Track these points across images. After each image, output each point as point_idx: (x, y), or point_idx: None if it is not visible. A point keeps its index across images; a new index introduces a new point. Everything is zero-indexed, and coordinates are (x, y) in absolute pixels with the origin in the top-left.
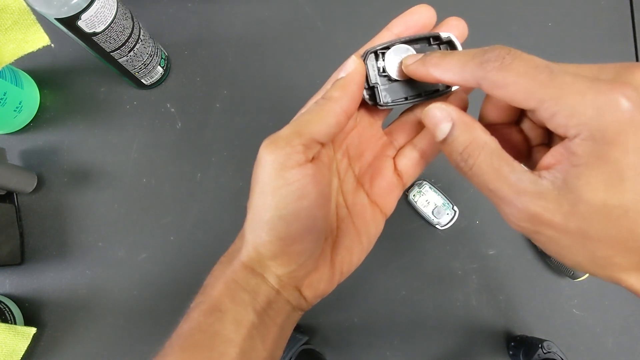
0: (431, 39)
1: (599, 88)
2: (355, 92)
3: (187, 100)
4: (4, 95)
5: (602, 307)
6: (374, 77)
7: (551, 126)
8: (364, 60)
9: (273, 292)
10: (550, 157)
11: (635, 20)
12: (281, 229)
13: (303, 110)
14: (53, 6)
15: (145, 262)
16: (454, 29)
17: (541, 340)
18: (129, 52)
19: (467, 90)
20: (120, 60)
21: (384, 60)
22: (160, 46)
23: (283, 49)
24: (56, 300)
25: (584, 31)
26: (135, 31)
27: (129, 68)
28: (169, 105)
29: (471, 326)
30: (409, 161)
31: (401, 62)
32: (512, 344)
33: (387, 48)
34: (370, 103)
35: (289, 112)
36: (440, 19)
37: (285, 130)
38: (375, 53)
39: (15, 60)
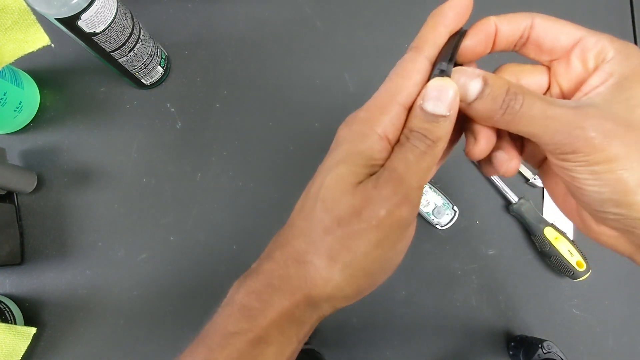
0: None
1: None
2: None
3: (187, 100)
4: (4, 95)
5: (602, 307)
6: None
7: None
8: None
9: (319, 319)
10: (587, 86)
11: (635, 20)
12: (363, 283)
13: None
14: (53, 6)
15: (145, 262)
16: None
17: (541, 340)
18: (129, 52)
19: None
20: (120, 60)
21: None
22: (160, 46)
23: (283, 49)
24: (56, 300)
25: None
26: (135, 31)
27: (129, 68)
28: (169, 105)
29: (471, 326)
30: None
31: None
32: (512, 344)
33: (452, 63)
34: None
35: (289, 112)
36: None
37: (414, 181)
38: (441, 69)
39: (15, 60)
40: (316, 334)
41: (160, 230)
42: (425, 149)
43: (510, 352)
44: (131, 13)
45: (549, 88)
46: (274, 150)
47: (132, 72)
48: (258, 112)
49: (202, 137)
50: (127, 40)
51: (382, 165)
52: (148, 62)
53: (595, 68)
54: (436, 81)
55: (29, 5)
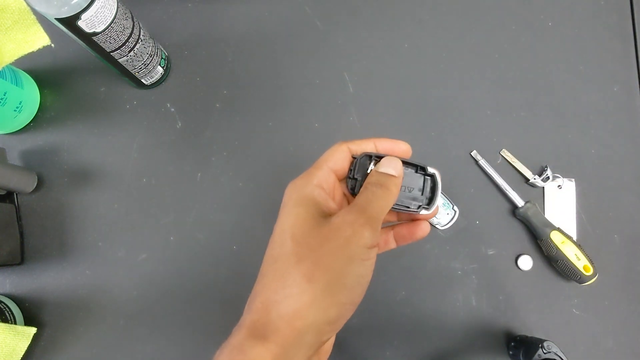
0: (419, 168)
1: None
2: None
3: (187, 100)
4: (4, 95)
5: (602, 308)
6: (363, 173)
7: None
8: (358, 159)
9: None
10: None
11: (635, 20)
12: (343, 298)
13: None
14: (53, 6)
15: (145, 262)
16: (397, 150)
17: (541, 340)
18: (129, 52)
19: None
20: (120, 60)
21: (374, 165)
22: (160, 46)
23: (283, 48)
24: (56, 300)
25: (584, 31)
26: (135, 31)
27: (129, 68)
28: (169, 105)
29: (471, 326)
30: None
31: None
32: (512, 344)
33: (380, 158)
34: (352, 192)
35: (289, 112)
36: (441, 18)
37: (374, 212)
38: (371, 157)
39: (15, 60)
40: None
41: (160, 230)
42: (381, 192)
43: (510, 352)
44: (131, 13)
45: None
46: (274, 150)
47: (132, 72)
48: (258, 112)
49: (202, 137)
50: (127, 40)
51: (329, 207)
52: (148, 62)
53: None
54: (388, 158)
55: (29, 5)
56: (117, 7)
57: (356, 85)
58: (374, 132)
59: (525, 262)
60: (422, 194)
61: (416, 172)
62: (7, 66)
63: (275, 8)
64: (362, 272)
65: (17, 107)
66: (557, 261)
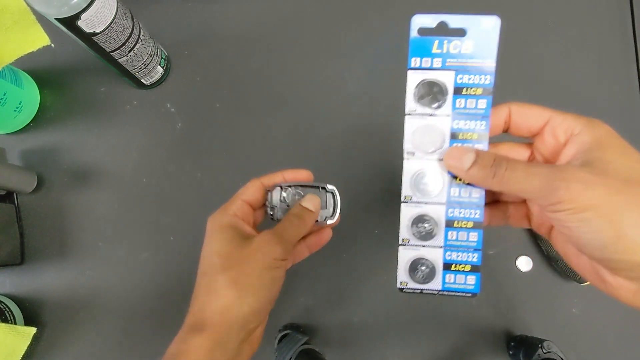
0: (321, 187)
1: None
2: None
3: (187, 100)
4: (4, 95)
5: (602, 307)
6: (277, 202)
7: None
8: (271, 191)
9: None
10: (563, 156)
11: (635, 20)
12: (263, 294)
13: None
14: (53, 6)
15: (145, 262)
16: (300, 177)
17: (541, 340)
18: (129, 52)
19: None
20: (120, 60)
21: (285, 193)
22: (160, 46)
23: (283, 49)
24: (56, 300)
25: (584, 31)
26: (135, 31)
27: (129, 68)
28: (169, 105)
29: (471, 326)
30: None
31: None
32: (512, 344)
33: (289, 187)
34: (271, 217)
35: (289, 112)
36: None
37: (289, 237)
38: (282, 187)
39: (15, 60)
40: (316, 334)
41: (160, 230)
42: (298, 222)
43: (510, 352)
44: (131, 13)
45: (533, 160)
46: (274, 150)
47: (132, 72)
48: (258, 111)
49: (202, 137)
50: (127, 40)
51: (245, 230)
52: (148, 62)
53: (567, 141)
54: (310, 196)
55: (29, 5)
56: (117, 7)
57: (356, 85)
58: (373, 132)
59: (525, 263)
60: (326, 207)
61: (319, 190)
62: (7, 66)
63: (276, 8)
64: (276, 275)
65: (17, 107)
66: (557, 261)
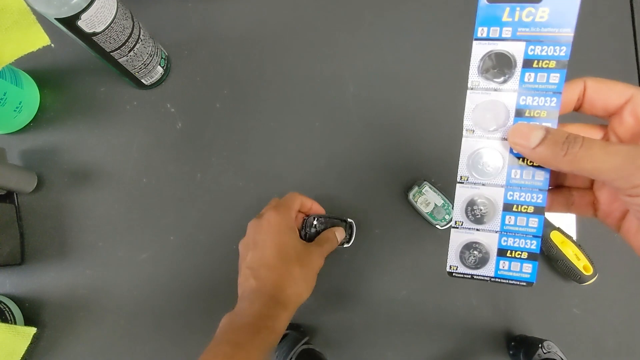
0: (342, 220)
1: None
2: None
3: (187, 100)
4: (4, 95)
5: (602, 307)
6: (311, 227)
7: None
8: (307, 218)
9: (289, 311)
10: None
11: (635, 20)
12: (311, 280)
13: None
14: (53, 6)
15: (145, 262)
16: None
17: (541, 340)
18: (129, 52)
19: None
20: (120, 60)
21: (316, 221)
22: (160, 46)
23: (283, 48)
24: (56, 300)
25: (583, 31)
26: (135, 31)
27: (129, 68)
28: (169, 105)
29: (471, 326)
30: None
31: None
32: (512, 343)
33: (321, 217)
34: (303, 236)
35: (289, 112)
36: (442, 18)
37: (325, 251)
38: (316, 217)
39: (15, 60)
40: (316, 334)
41: (160, 230)
42: (329, 246)
43: (510, 352)
44: (131, 13)
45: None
46: (274, 150)
47: (132, 72)
48: (258, 111)
49: (202, 137)
50: (127, 40)
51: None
52: (148, 62)
53: None
54: (338, 229)
55: (29, 5)
56: (117, 7)
57: (356, 85)
58: (374, 133)
59: None
60: (344, 234)
61: (341, 222)
62: (7, 66)
63: (276, 8)
64: (317, 270)
65: (17, 107)
66: (557, 261)
